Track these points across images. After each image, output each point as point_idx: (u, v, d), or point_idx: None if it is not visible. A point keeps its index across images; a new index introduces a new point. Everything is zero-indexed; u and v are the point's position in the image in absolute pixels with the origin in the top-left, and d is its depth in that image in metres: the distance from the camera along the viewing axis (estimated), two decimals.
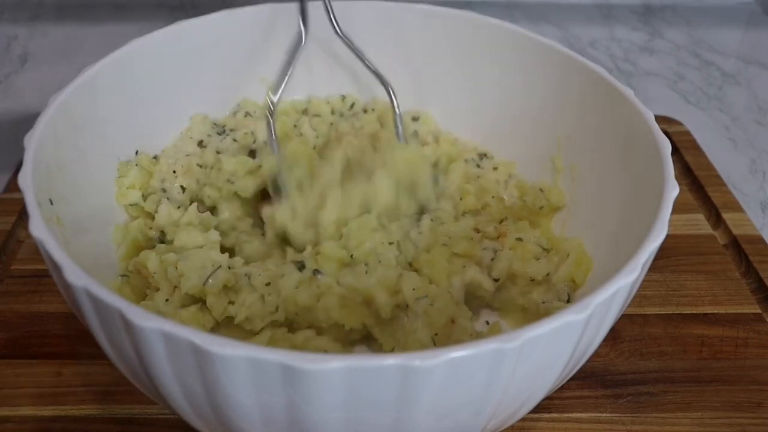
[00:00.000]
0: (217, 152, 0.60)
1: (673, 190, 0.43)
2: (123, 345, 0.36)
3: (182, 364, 0.34)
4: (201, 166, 0.59)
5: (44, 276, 0.56)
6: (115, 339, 0.37)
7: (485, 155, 0.65)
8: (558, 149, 0.60)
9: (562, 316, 0.34)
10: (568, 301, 0.52)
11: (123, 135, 0.56)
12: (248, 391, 0.33)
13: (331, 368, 0.31)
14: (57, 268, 0.36)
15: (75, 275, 0.35)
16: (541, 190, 0.60)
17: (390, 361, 0.32)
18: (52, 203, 0.44)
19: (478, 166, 0.64)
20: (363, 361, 0.32)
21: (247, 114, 0.64)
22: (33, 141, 0.44)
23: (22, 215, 0.62)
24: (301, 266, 0.51)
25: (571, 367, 0.40)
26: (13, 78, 0.90)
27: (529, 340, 0.33)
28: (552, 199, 0.59)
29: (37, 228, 0.38)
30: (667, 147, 0.47)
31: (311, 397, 0.33)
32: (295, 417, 0.34)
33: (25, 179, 0.41)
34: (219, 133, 0.62)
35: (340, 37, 0.60)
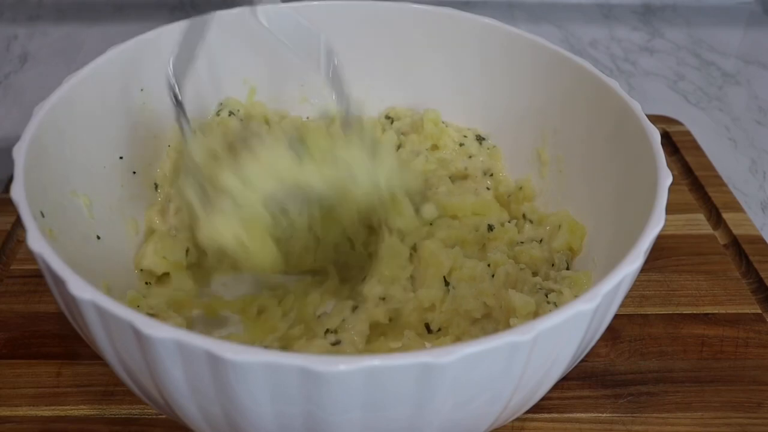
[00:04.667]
0: None
1: (666, 178, 0.44)
2: (132, 357, 0.36)
3: (197, 373, 0.34)
4: None
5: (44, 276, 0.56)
6: (123, 352, 0.36)
7: (482, 138, 0.65)
8: (543, 142, 0.61)
9: (573, 307, 0.35)
10: (567, 269, 0.54)
11: (107, 143, 0.55)
12: (265, 396, 0.33)
13: (350, 370, 0.31)
14: (60, 282, 0.36)
15: (81, 289, 0.35)
16: (520, 188, 0.61)
17: (410, 359, 0.32)
18: (43, 216, 0.44)
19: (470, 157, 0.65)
20: (383, 361, 0.32)
21: (231, 113, 0.63)
22: (21, 153, 0.44)
23: None
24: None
25: (578, 354, 0.40)
26: (13, 78, 0.90)
27: (542, 332, 0.34)
28: (528, 194, 0.61)
29: (36, 242, 0.38)
30: (656, 136, 0.47)
31: (329, 399, 0.33)
32: (312, 419, 0.34)
33: (17, 193, 0.41)
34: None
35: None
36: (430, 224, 0.57)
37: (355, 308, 0.51)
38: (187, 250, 0.55)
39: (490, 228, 0.58)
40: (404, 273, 0.54)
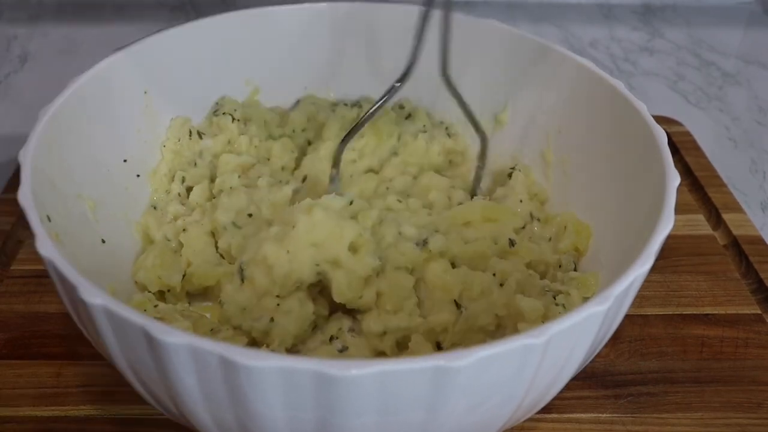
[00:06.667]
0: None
1: (675, 179, 0.44)
2: (144, 362, 0.36)
3: (210, 379, 0.33)
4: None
5: (44, 276, 0.55)
6: (134, 356, 0.36)
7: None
8: (548, 143, 0.61)
9: (585, 309, 0.35)
10: (575, 269, 0.54)
11: (111, 146, 0.55)
12: (278, 401, 0.33)
13: (364, 374, 0.31)
14: (70, 287, 0.36)
15: (92, 294, 0.35)
16: (535, 194, 0.61)
17: (424, 363, 0.32)
18: (50, 220, 0.44)
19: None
20: (397, 365, 0.32)
21: (225, 113, 0.63)
22: (28, 157, 0.44)
23: (22, 216, 0.62)
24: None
25: (589, 355, 0.40)
26: (13, 78, 0.90)
27: (555, 334, 0.34)
28: (542, 198, 0.61)
29: (45, 247, 0.38)
30: (663, 137, 0.47)
31: (343, 404, 0.33)
32: (325, 424, 0.34)
33: (25, 198, 0.41)
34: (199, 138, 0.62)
35: (446, 78, 0.55)
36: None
37: (351, 330, 0.51)
38: (183, 275, 0.54)
39: (512, 243, 0.55)
40: (409, 303, 0.51)
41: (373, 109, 0.54)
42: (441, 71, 0.55)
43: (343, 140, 0.57)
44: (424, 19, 0.51)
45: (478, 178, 0.62)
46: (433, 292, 0.52)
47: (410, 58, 0.52)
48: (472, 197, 0.61)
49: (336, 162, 0.58)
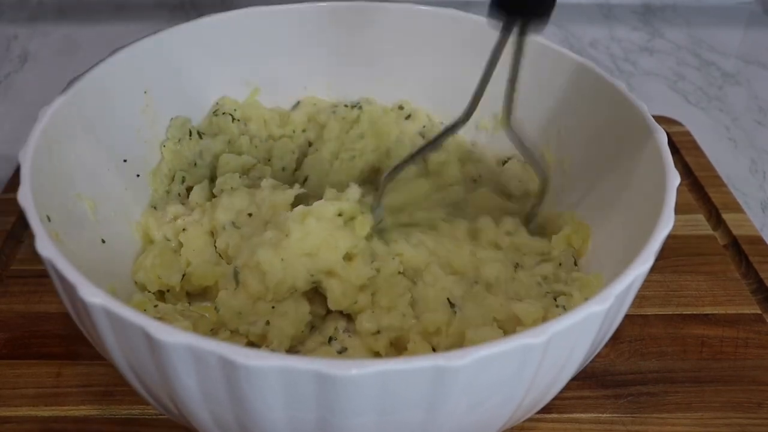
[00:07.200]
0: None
1: (675, 178, 0.44)
2: (143, 362, 0.36)
3: (209, 379, 0.33)
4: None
5: (44, 276, 0.55)
6: (133, 356, 0.36)
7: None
8: (548, 143, 0.61)
9: (585, 308, 0.35)
10: (575, 264, 0.54)
11: (111, 145, 0.55)
12: (278, 401, 0.33)
13: (364, 374, 0.31)
14: (70, 286, 0.36)
15: (91, 293, 0.35)
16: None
17: (424, 362, 0.32)
18: (50, 220, 0.44)
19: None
20: (397, 365, 0.32)
21: (225, 113, 0.63)
22: (28, 157, 0.44)
23: (22, 216, 0.62)
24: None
25: (589, 355, 0.40)
26: (13, 78, 0.90)
27: (555, 334, 0.34)
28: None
29: (45, 247, 0.38)
30: (663, 137, 0.48)
31: (343, 403, 0.33)
32: (325, 424, 0.34)
33: (25, 198, 0.41)
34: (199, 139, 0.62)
35: (510, 128, 0.51)
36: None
37: (346, 330, 0.51)
38: (183, 275, 0.54)
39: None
40: (403, 300, 0.50)
41: (425, 145, 0.52)
42: (503, 121, 0.50)
43: (388, 174, 0.53)
44: (497, 50, 0.46)
45: (533, 215, 0.58)
46: (427, 290, 0.51)
47: (476, 93, 0.48)
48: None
49: (379, 194, 0.55)
